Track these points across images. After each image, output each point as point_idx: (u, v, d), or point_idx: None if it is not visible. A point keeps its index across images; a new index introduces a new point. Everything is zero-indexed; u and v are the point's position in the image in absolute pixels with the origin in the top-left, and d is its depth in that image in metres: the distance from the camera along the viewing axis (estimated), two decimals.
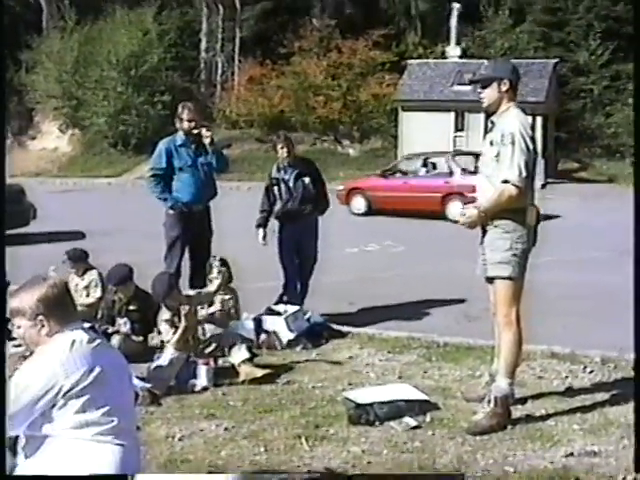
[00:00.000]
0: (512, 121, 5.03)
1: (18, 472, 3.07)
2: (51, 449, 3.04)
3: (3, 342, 3.01)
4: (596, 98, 31.31)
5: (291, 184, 7.85)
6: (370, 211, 18.71)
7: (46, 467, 3.02)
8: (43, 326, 3.13)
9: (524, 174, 4.89)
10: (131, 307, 6.78)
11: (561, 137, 30.67)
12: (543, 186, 24.75)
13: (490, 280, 5.20)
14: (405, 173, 19.64)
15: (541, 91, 27.16)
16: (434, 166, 19.01)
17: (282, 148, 7.83)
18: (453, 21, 31.17)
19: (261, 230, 7.95)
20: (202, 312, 6.58)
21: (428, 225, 16.50)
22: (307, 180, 7.88)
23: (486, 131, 5.46)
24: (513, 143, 4.90)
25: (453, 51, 30.51)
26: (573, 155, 31.36)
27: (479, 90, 5.22)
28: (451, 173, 18.02)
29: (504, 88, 5.10)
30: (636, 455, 3.64)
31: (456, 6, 31.13)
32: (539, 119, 26.27)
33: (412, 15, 36.60)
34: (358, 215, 18.79)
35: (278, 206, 7.94)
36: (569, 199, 22.22)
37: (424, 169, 19.12)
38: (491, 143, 5.06)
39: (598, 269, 11.02)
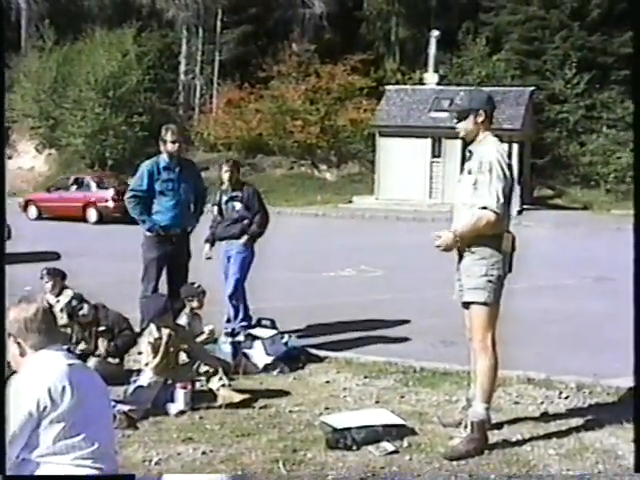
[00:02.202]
0: (489, 150, 5.10)
1: None
2: (31, 474, 3.01)
3: (3, 343, 2.98)
4: (571, 127, 31.72)
5: (225, 208, 8.06)
6: (40, 217, 24.32)
7: None
8: (18, 346, 3.12)
9: (501, 200, 4.95)
10: (101, 328, 6.71)
11: (537, 164, 31.01)
12: (519, 212, 24.97)
13: (466, 305, 5.25)
14: (60, 188, 25.30)
15: (517, 118, 27.47)
16: (82, 183, 24.98)
17: (226, 172, 8.02)
18: (432, 48, 31.50)
19: (207, 245, 8.13)
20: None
21: (405, 250, 16.58)
22: (238, 205, 8.01)
23: (464, 160, 5.52)
24: (490, 171, 4.97)
25: (431, 78, 30.81)
26: (549, 182, 31.68)
27: (455, 121, 5.29)
28: (89, 187, 24.33)
29: (480, 119, 5.17)
30: (636, 455, 3.66)
31: (435, 33, 31.48)
32: (515, 146, 26.54)
33: (391, 41, 36.96)
34: (32, 220, 23.87)
35: (215, 227, 8.17)
36: (545, 226, 22.43)
37: (74, 186, 24.94)
38: (469, 172, 5.12)
39: (574, 295, 11.12)
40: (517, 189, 26.25)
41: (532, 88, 29.86)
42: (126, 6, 37.76)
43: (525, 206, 26.63)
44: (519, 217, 23.51)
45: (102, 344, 6.60)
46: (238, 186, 8.07)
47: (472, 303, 5.10)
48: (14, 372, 3.17)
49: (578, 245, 17.82)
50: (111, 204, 22.46)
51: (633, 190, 3.72)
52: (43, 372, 3.06)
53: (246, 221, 7.99)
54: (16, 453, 2.98)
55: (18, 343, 3.13)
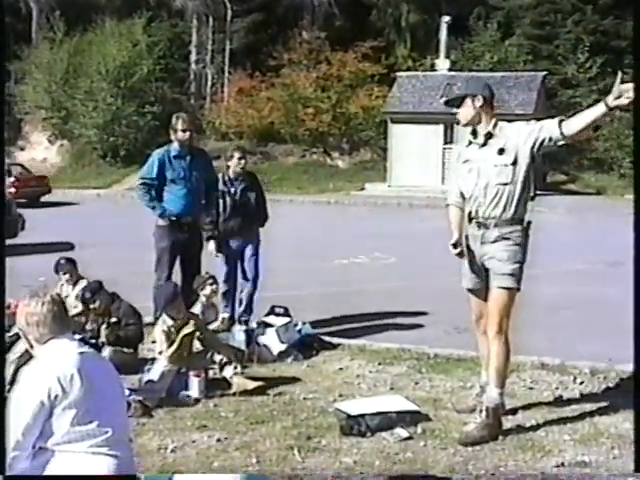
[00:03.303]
0: (517, 125, 5.18)
1: None
2: (47, 463, 3.04)
3: (3, 343, 3.02)
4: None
5: (238, 197, 7.78)
6: None
7: None
8: (25, 340, 3.17)
9: None
10: (112, 319, 6.74)
11: (550, 150, 30.79)
12: (532, 198, 24.82)
13: (476, 292, 5.27)
14: None
15: (530, 104, 27.32)
16: None
17: (240, 159, 7.79)
18: (442, 34, 31.35)
19: (212, 242, 7.70)
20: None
21: (418, 237, 16.55)
22: (253, 195, 7.86)
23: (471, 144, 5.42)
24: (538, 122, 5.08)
25: (442, 64, 30.66)
26: (562, 167, 31.52)
27: (455, 110, 5.29)
28: None
29: (478, 104, 5.16)
30: (636, 455, 3.65)
31: (445, 19, 31.31)
32: None
33: (402, 28, 36.79)
34: None
35: (221, 220, 7.76)
36: (558, 211, 22.34)
37: None
38: (500, 151, 5.08)
39: (588, 281, 11.07)
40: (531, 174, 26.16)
41: (544, 73, 29.69)
42: None
43: (538, 192, 26.48)
44: (531, 203, 23.44)
45: (104, 333, 6.61)
46: (246, 174, 7.92)
47: (505, 289, 5.09)
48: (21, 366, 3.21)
49: (591, 230, 17.74)
50: (13, 190, 22.74)
51: (633, 176, 3.70)
52: (53, 361, 3.08)
53: (259, 211, 7.93)
54: (31, 443, 3.00)
55: (26, 337, 3.17)
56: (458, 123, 5.36)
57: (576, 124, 4.92)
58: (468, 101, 5.17)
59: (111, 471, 3.10)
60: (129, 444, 3.45)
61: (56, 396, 3.01)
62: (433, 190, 26.76)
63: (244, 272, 7.93)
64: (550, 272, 11.37)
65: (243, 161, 7.80)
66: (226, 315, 7.50)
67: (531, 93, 27.91)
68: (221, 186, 7.78)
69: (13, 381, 3.35)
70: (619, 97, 4.69)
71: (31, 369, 3.12)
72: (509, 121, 5.32)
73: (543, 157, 30.05)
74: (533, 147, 5.04)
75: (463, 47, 33.46)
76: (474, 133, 5.25)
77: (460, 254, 5.27)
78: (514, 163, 5.05)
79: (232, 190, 7.78)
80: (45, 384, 3.01)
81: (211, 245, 7.70)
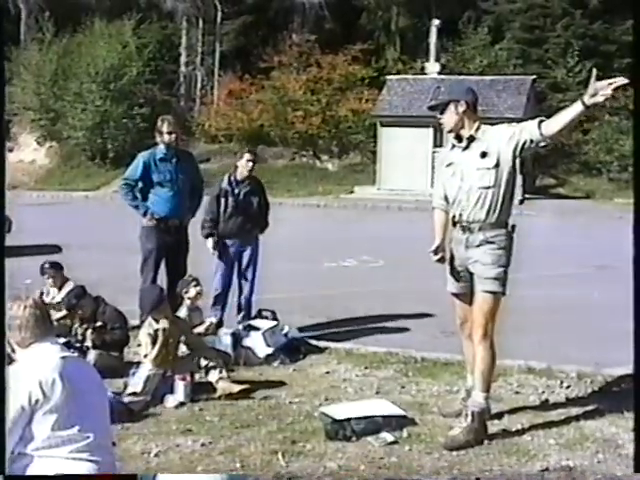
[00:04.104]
0: (499, 128, 5.13)
1: None
2: (25, 468, 3.00)
3: (3, 343, 2.98)
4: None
5: (241, 199, 7.75)
6: None
7: None
8: (8, 344, 3.14)
9: None
10: (98, 324, 6.70)
11: (539, 153, 30.84)
12: (521, 202, 24.91)
13: (460, 296, 5.26)
14: None
15: (519, 107, 27.36)
16: None
17: (249, 162, 7.75)
18: (432, 37, 31.39)
19: (211, 239, 7.70)
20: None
21: (407, 240, 16.55)
22: (256, 200, 7.84)
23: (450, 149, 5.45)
24: (519, 124, 5.03)
25: (432, 67, 30.70)
26: (551, 171, 31.60)
27: (439, 116, 5.26)
28: None
29: (461, 109, 5.14)
30: (636, 455, 3.64)
31: (435, 22, 31.36)
32: None
33: (392, 31, 36.83)
34: None
35: (221, 219, 7.74)
36: (547, 215, 22.39)
37: None
38: (483, 155, 5.06)
39: (576, 284, 11.08)
40: (519, 178, 26.23)
41: (533, 77, 29.76)
42: None
43: (527, 195, 26.57)
44: (521, 206, 23.48)
45: (90, 337, 6.57)
46: (252, 178, 7.89)
47: (489, 293, 5.07)
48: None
49: (580, 234, 17.77)
50: None
51: (633, 177, 3.69)
52: (34, 365, 3.06)
53: (261, 217, 7.91)
54: (11, 448, 2.97)
55: (7, 342, 3.14)
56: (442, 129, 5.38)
57: (555, 124, 4.90)
58: (451, 107, 5.16)
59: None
60: (111, 449, 3.42)
61: (37, 401, 2.98)
62: (422, 193, 26.73)
63: (241, 276, 7.90)
64: (539, 276, 11.38)
65: (251, 164, 7.76)
66: (214, 319, 7.44)
67: (520, 97, 27.97)
68: (225, 185, 7.75)
69: None
70: (595, 95, 4.66)
71: (12, 373, 3.08)
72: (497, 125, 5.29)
73: (532, 161, 30.20)
74: (515, 150, 5.01)
75: (453, 50, 33.52)
76: (458, 137, 5.24)
77: (440, 260, 5.27)
78: (496, 166, 5.03)
79: (236, 191, 7.74)
80: (26, 389, 2.99)
81: (209, 242, 7.69)
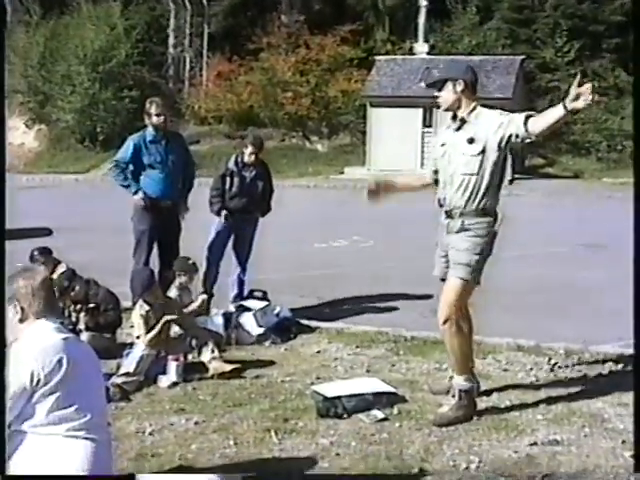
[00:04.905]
0: (492, 113, 5.06)
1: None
2: (26, 446, 3.06)
3: (3, 341, 3.03)
4: (563, 95, 31.23)
5: (247, 181, 7.84)
6: None
7: (22, 463, 3.03)
8: (17, 312, 3.16)
9: None
10: (90, 305, 6.74)
11: None
12: (510, 182, 24.95)
13: (442, 280, 5.26)
14: None
15: (508, 88, 27.37)
16: None
17: (253, 148, 7.82)
18: (421, 18, 31.34)
19: (223, 213, 7.80)
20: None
21: (397, 221, 16.62)
22: (261, 184, 7.94)
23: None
24: (507, 114, 4.97)
25: (421, 47, 30.65)
26: (539, 151, 31.64)
27: (435, 93, 5.18)
28: None
29: (459, 88, 5.06)
30: (636, 455, 3.74)
31: (424, 3, 31.28)
32: None
33: (380, 11, 36.66)
34: None
35: (225, 197, 7.85)
36: (535, 194, 22.48)
37: None
38: (470, 140, 4.99)
39: (565, 263, 11.17)
40: (509, 158, 26.27)
41: (522, 57, 29.73)
42: None
43: (516, 175, 26.63)
44: (510, 187, 23.54)
45: (84, 320, 6.63)
46: (259, 162, 7.96)
47: (456, 278, 5.02)
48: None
49: (569, 213, 17.87)
50: None
51: (633, 160, 3.73)
52: (38, 345, 3.10)
53: (263, 201, 8.00)
54: (8, 423, 3.02)
55: (22, 308, 3.17)
56: (439, 107, 5.23)
57: (540, 124, 4.85)
58: (449, 85, 5.07)
59: (89, 454, 3.13)
60: (107, 428, 3.48)
61: (38, 380, 3.03)
62: (412, 174, 26.84)
63: (236, 256, 7.99)
64: (528, 255, 11.48)
65: (254, 157, 7.82)
66: (205, 296, 7.45)
67: (509, 77, 27.97)
68: (232, 165, 7.85)
69: None
70: (577, 99, 4.66)
71: (15, 351, 3.13)
72: (488, 106, 5.21)
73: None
74: (501, 141, 4.94)
75: (442, 31, 33.45)
76: (454, 117, 5.18)
77: (372, 195, 5.40)
78: (482, 153, 4.95)
79: (243, 173, 7.83)
80: (28, 368, 3.03)
81: (221, 217, 7.79)
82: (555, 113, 4.81)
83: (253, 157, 7.83)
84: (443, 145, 5.25)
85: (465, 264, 5.00)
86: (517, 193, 20.67)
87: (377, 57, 30.97)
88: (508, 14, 33.29)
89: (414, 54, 30.78)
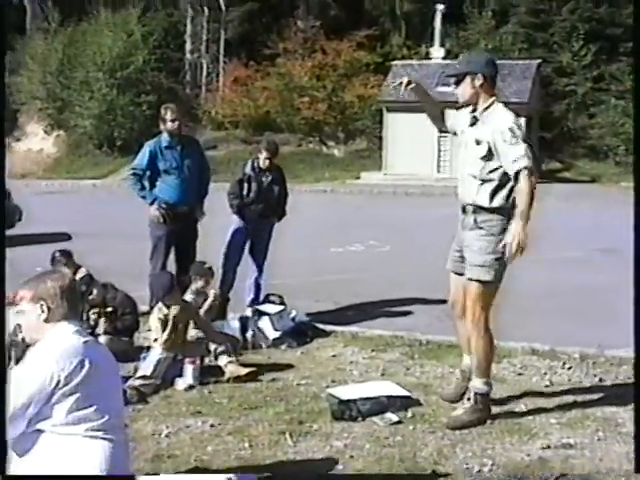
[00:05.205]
0: (504, 116, 4.92)
1: (13, 469, 3.15)
2: (44, 445, 3.12)
3: (3, 341, 3.09)
4: (580, 99, 31.56)
5: (264, 186, 7.91)
6: None
7: (39, 462, 3.10)
8: (43, 312, 3.22)
9: (531, 157, 4.81)
10: (108, 309, 6.82)
11: (545, 137, 30.90)
12: None
13: (454, 273, 5.25)
14: None
15: (524, 92, 27.37)
16: None
17: (267, 153, 7.89)
18: (437, 22, 31.37)
19: (243, 214, 7.89)
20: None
21: (414, 225, 16.65)
22: (277, 188, 8.00)
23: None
24: (515, 137, 4.80)
25: (437, 52, 30.70)
26: (557, 155, 31.59)
27: (454, 86, 5.09)
28: None
29: (478, 83, 4.95)
30: (636, 455, 3.75)
31: (440, 7, 31.33)
32: (522, 120, 26.41)
33: (397, 16, 36.75)
34: None
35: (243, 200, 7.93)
36: (552, 199, 22.40)
37: None
38: (477, 142, 4.92)
39: (581, 268, 11.16)
40: None
41: (539, 61, 29.72)
42: None
43: None
44: None
45: (103, 324, 6.71)
46: (274, 167, 8.04)
47: (474, 280, 4.98)
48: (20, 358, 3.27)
49: (586, 218, 17.82)
50: None
51: (633, 162, 3.75)
52: (60, 347, 3.16)
53: (279, 206, 8.07)
54: (25, 423, 3.08)
55: (49, 308, 3.23)
56: (457, 103, 5.12)
57: (518, 199, 4.79)
58: (468, 79, 4.96)
59: (107, 454, 3.19)
60: (124, 429, 3.54)
61: (58, 382, 3.09)
62: (428, 178, 26.86)
63: (252, 260, 8.07)
64: (544, 259, 11.46)
65: (268, 162, 7.89)
66: (216, 291, 7.46)
67: (526, 81, 27.96)
68: (249, 170, 7.92)
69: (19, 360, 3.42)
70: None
71: (37, 351, 3.19)
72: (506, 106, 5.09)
73: (538, 145, 30.17)
74: (493, 152, 4.88)
75: (458, 35, 33.48)
76: (473, 110, 5.08)
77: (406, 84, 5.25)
78: (486, 156, 4.89)
79: (260, 178, 7.90)
80: (49, 370, 3.09)
81: (242, 218, 7.87)
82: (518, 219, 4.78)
83: (268, 162, 7.91)
84: (462, 133, 5.16)
85: (479, 265, 4.97)
86: None
87: (393, 62, 31.06)
88: (525, 18, 33.27)
89: (430, 59, 30.83)
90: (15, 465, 3.15)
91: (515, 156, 4.79)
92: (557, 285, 9.91)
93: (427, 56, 31.74)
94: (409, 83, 5.31)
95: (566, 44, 31.86)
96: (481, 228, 4.97)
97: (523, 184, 4.76)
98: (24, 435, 3.11)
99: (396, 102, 28.74)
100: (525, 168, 4.76)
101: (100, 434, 3.19)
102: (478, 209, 4.98)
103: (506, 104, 5.20)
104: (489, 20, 33.52)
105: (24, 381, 3.09)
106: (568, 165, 31.14)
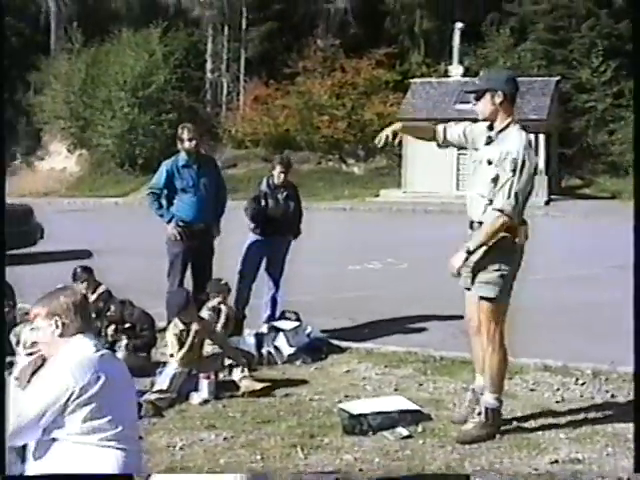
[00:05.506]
0: (514, 142, 4.90)
1: (27, 473, 3.26)
2: (59, 452, 3.23)
3: (3, 343, 3.20)
4: (599, 115, 31.52)
5: (280, 203, 7.99)
6: None
7: (53, 469, 3.21)
8: (57, 327, 3.33)
9: (520, 204, 4.88)
10: (126, 325, 6.95)
11: (565, 154, 30.86)
12: (547, 202, 24.91)
13: (468, 290, 5.27)
14: None
15: (543, 109, 27.39)
16: None
17: (281, 167, 7.98)
18: (456, 40, 31.51)
19: (256, 232, 7.96)
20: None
21: (432, 243, 16.68)
22: (292, 205, 8.08)
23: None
24: (514, 170, 4.82)
25: (456, 70, 30.82)
26: (577, 172, 31.53)
27: (473, 103, 5.12)
28: None
29: (498, 100, 4.95)
30: (636, 455, 3.79)
31: (459, 25, 31.47)
32: (541, 137, 26.47)
33: (415, 34, 36.93)
34: None
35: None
36: (572, 215, 22.38)
37: None
38: (489, 162, 4.96)
39: (600, 284, 11.14)
40: (545, 180, 26.17)
41: (557, 78, 29.75)
42: (152, 6, 38.14)
43: (553, 196, 26.57)
44: (547, 207, 23.47)
45: (121, 340, 6.83)
46: (289, 184, 8.13)
47: (482, 298, 5.06)
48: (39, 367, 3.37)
49: (605, 234, 17.75)
50: None
51: (633, 180, 3.80)
52: (75, 360, 3.26)
53: (294, 223, 8.15)
54: (39, 432, 3.19)
55: (63, 324, 3.34)
56: (476, 120, 5.17)
57: (481, 230, 4.97)
58: (487, 96, 4.97)
59: (120, 463, 3.29)
60: (138, 441, 3.64)
61: (72, 393, 3.19)
62: (448, 196, 26.85)
63: (268, 277, 8.15)
64: (560, 277, 11.47)
65: (283, 175, 7.96)
66: (232, 307, 7.55)
67: (544, 98, 27.98)
68: (264, 188, 7.99)
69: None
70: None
71: (53, 364, 3.30)
72: (523, 128, 5.09)
73: (558, 162, 30.13)
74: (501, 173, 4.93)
75: (476, 53, 33.57)
76: (491, 127, 5.08)
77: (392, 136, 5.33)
78: (494, 180, 4.92)
79: (275, 194, 7.98)
80: (64, 382, 3.19)
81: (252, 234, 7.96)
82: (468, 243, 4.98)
83: (282, 176, 7.97)
84: (477, 151, 5.19)
85: (485, 282, 5.03)
86: (553, 214, 20.62)
87: (412, 80, 31.20)
88: (543, 35, 33.32)
89: (449, 76, 30.96)
90: (32, 468, 3.26)
91: (503, 193, 4.88)
92: (572, 301, 9.90)
93: (446, 74, 31.86)
94: (395, 134, 5.39)
95: (585, 60, 31.87)
96: (487, 245, 5.01)
97: (491, 221, 4.90)
98: (40, 442, 3.22)
99: (415, 120, 28.88)
100: (501, 211, 4.87)
101: (113, 444, 3.29)
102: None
103: (524, 121, 5.23)
104: (507, 37, 33.60)
105: (40, 391, 3.20)
106: (588, 181, 31.06)
